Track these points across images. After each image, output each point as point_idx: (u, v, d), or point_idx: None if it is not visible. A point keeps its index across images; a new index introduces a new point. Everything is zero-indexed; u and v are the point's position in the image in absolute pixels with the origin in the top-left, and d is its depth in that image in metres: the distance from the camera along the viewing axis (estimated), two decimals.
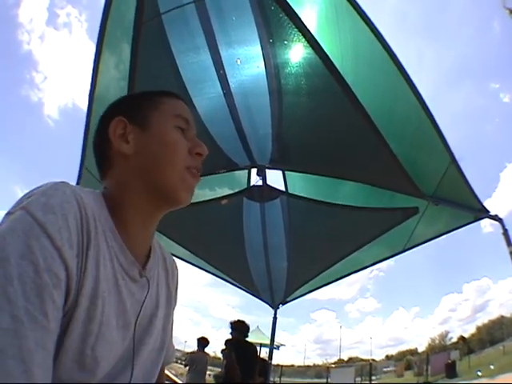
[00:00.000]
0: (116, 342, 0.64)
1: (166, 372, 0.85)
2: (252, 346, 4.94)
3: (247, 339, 4.85)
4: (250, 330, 5.04)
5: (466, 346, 32.89)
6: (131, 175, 0.73)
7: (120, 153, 0.74)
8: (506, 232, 2.73)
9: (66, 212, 0.57)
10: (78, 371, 0.57)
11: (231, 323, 4.80)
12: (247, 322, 4.89)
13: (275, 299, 5.30)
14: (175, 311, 0.89)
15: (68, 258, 0.55)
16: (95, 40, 2.17)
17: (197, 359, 6.69)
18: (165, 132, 0.75)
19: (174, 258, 0.93)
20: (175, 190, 0.73)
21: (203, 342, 6.88)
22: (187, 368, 6.83)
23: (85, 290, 0.59)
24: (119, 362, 0.65)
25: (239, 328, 4.76)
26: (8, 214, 0.57)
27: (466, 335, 40.21)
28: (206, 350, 6.97)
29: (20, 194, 0.61)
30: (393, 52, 2.04)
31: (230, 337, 4.79)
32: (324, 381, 29.84)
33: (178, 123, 0.77)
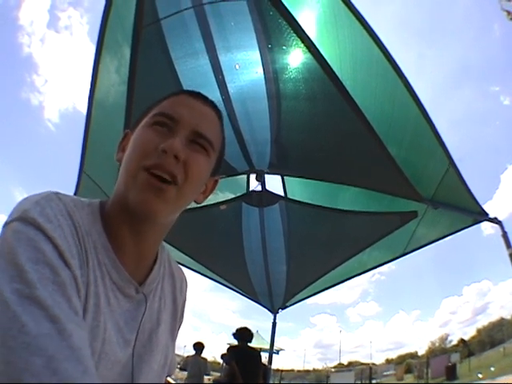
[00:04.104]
0: (118, 361, 0.63)
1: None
2: (255, 351, 4.96)
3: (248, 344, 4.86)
4: None
5: (467, 348, 32.74)
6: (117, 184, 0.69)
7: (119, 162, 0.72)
8: (505, 234, 2.74)
9: (62, 224, 0.56)
10: None
11: (235, 330, 4.81)
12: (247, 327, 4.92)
13: (275, 304, 5.28)
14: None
15: (72, 266, 0.54)
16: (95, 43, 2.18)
17: (190, 363, 7.02)
18: (136, 134, 0.69)
19: None
20: (125, 191, 0.63)
21: (198, 347, 7.16)
22: (185, 372, 7.24)
23: (89, 305, 0.57)
24: (119, 378, 0.63)
25: (243, 334, 4.78)
26: (6, 224, 0.55)
27: (467, 338, 40.11)
28: (204, 354, 7.27)
29: (19, 198, 0.61)
30: (391, 56, 2.04)
31: (232, 342, 4.81)
32: None
33: (155, 119, 0.67)
